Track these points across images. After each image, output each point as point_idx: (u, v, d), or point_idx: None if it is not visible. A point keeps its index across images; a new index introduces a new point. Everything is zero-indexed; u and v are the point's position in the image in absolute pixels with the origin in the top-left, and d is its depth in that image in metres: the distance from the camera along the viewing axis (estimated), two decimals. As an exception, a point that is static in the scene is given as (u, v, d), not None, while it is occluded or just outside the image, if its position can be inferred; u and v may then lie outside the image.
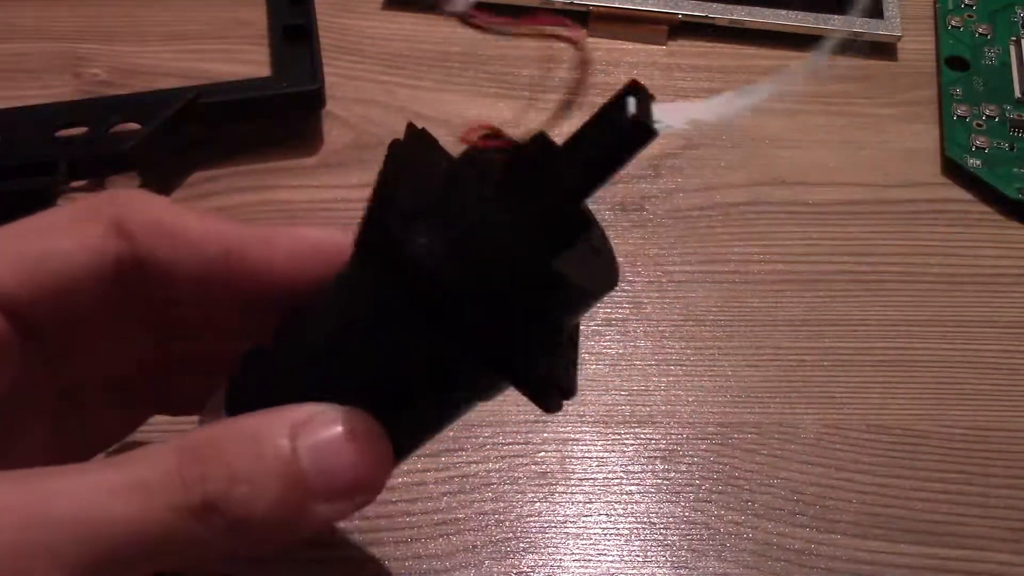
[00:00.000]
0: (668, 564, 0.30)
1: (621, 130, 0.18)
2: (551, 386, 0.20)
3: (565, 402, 0.20)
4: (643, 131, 0.18)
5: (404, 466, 0.27)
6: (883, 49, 0.44)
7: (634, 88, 0.18)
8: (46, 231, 0.21)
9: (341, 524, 0.30)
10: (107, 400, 0.25)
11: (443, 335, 0.19)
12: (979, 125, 0.41)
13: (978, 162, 0.40)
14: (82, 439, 0.25)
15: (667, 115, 0.18)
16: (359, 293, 0.20)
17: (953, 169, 0.40)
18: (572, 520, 0.31)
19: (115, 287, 0.22)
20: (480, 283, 0.18)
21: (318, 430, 0.19)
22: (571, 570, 0.30)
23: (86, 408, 0.24)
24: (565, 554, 0.31)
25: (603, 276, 0.20)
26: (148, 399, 0.26)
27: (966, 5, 0.45)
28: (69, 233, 0.21)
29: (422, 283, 0.18)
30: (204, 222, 0.22)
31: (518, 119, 0.41)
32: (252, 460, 0.19)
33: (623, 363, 0.35)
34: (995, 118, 0.41)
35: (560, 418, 0.33)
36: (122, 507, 0.18)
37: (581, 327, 0.22)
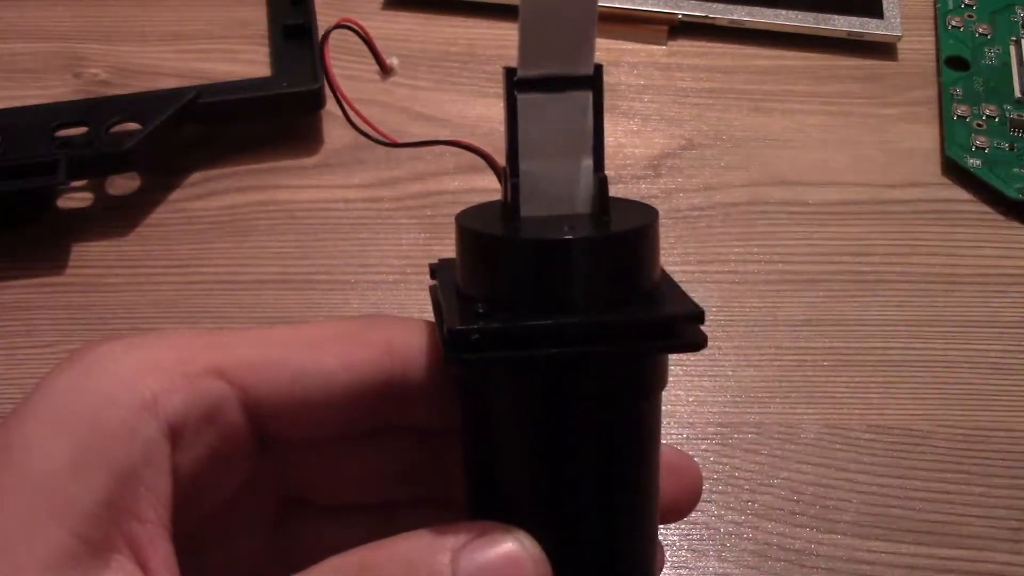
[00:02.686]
0: (668, 564, 0.30)
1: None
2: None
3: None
4: None
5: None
6: (883, 49, 0.44)
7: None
8: (312, 346, 0.21)
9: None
10: (334, 522, 0.24)
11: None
12: (979, 125, 0.41)
13: (978, 162, 0.40)
14: (301, 554, 0.24)
15: None
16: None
17: (953, 169, 0.40)
18: (572, 520, 0.31)
19: (370, 411, 0.21)
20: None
21: (476, 552, 0.18)
22: (571, 570, 0.30)
23: (308, 525, 0.24)
24: (565, 554, 0.31)
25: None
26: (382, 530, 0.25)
27: (966, 5, 0.45)
28: (333, 351, 0.21)
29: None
30: None
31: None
32: None
33: (623, 363, 0.35)
34: (995, 118, 0.41)
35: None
36: None
37: None
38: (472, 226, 0.18)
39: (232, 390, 0.20)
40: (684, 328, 0.18)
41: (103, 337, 0.21)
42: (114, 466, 0.18)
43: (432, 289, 0.20)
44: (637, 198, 0.38)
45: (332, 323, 0.22)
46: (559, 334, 0.17)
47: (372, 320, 0.22)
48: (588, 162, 0.18)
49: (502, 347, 0.17)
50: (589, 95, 0.18)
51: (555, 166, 0.18)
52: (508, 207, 0.18)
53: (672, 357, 0.20)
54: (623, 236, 0.18)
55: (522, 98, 0.18)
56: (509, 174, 0.18)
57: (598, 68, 0.18)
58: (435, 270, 0.20)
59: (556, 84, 0.18)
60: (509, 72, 0.18)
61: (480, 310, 0.17)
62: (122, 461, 0.18)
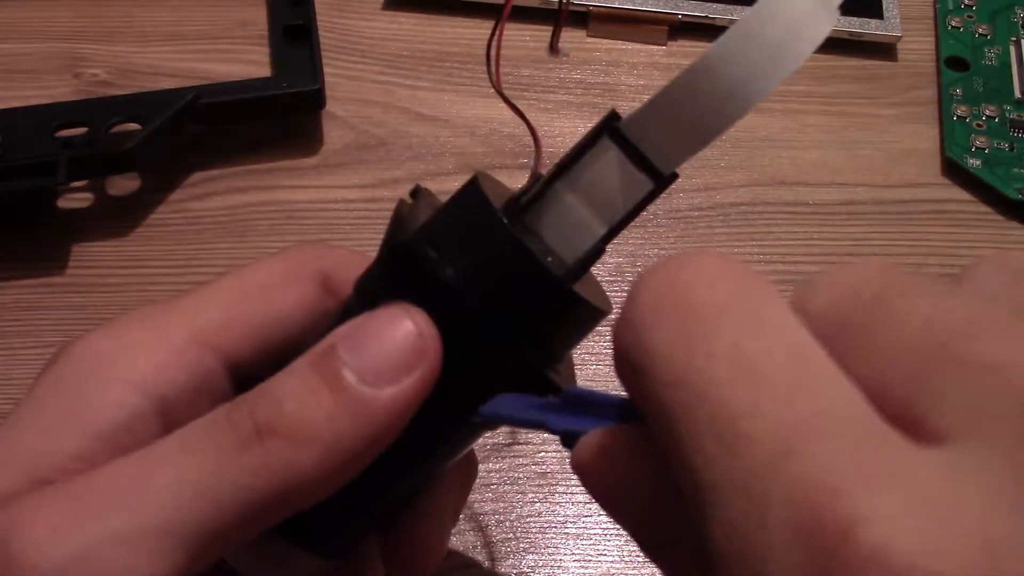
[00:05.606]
0: (668, 564, 0.30)
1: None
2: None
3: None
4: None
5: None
6: (883, 49, 0.44)
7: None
8: (266, 291, 0.22)
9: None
10: None
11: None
12: (979, 125, 0.41)
13: (978, 162, 0.40)
14: None
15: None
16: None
17: (953, 169, 0.40)
18: (572, 520, 0.31)
19: None
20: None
21: (345, 333, 0.19)
22: (571, 570, 0.30)
23: None
24: (565, 554, 0.31)
25: (603, 300, 0.21)
26: None
27: (966, 5, 0.45)
28: (287, 292, 0.22)
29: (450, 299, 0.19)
30: None
31: (519, 119, 0.41)
32: (295, 380, 0.18)
33: (623, 363, 0.35)
34: (995, 118, 0.41)
35: (560, 418, 0.33)
36: (171, 471, 0.18)
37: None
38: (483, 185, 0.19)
39: (215, 356, 0.20)
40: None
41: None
42: (91, 429, 0.19)
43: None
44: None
45: (277, 260, 0.22)
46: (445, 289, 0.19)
47: (314, 252, 0.23)
48: (602, 229, 0.19)
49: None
50: (650, 185, 0.19)
51: (580, 210, 0.19)
52: (521, 198, 0.19)
53: None
54: (570, 296, 0.19)
55: (604, 145, 0.18)
56: (544, 179, 0.19)
57: (675, 175, 0.19)
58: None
59: (636, 157, 0.18)
60: (612, 115, 0.18)
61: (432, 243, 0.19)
62: (100, 425, 0.19)
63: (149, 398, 0.20)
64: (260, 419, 0.18)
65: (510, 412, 0.19)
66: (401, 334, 0.19)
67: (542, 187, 0.19)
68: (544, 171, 0.19)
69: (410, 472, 0.22)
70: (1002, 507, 0.12)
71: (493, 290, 0.19)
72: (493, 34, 0.40)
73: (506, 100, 0.37)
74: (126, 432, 0.19)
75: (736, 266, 0.16)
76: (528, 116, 0.41)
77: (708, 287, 0.15)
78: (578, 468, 0.17)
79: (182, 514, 0.17)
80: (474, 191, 0.19)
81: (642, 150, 0.18)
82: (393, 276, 0.20)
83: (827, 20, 0.17)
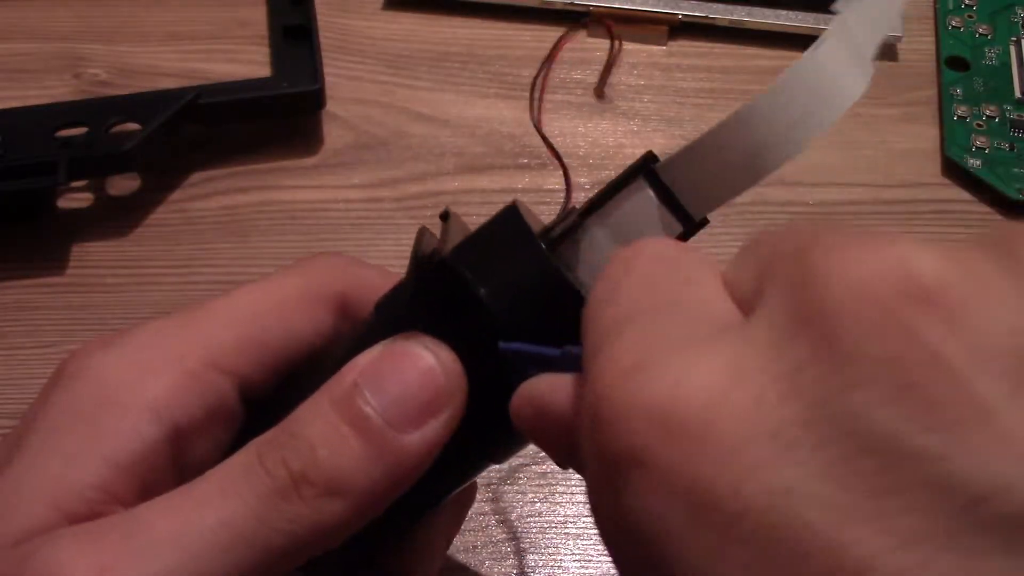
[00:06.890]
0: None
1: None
2: None
3: None
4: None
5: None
6: (883, 49, 0.44)
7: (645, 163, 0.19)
8: (283, 312, 0.22)
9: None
10: None
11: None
12: (979, 125, 0.41)
13: (978, 162, 0.40)
14: None
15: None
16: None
17: (953, 169, 0.40)
18: (572, 520, 0.31)
19: None
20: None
21: (367, 370, 0.19)
22: (571, 570, 0.30)
23: None
24: (565, 554, 0.31)
25: None
26: None
27: (966, 5, 0.45)
28: (305, 316, 0.22)
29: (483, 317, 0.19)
30: None
31: (518, 119, 0.41)
32: (322, 423, 0.19)
33: (623, 363, 0.35)
34: (995, 118, 0.41)
35: (560, 418, 0.33)
36: (213, 514, 0.18)
37: None
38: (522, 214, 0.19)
39: (229, 380, 0.20)
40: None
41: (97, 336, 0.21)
42: (110, 458, 0.19)
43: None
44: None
45: (295, 276, 0.22)
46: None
47: (333, 269, 0.22)
48: None
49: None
50: (679, 229, 0.19)
51: (609, 246, 0.19)
52: (553, 230, 0.19)
53: None
54: None
55: (638, 185, 0.19)
56: (578, 213, 0.19)
57: (705, 220, 0.19)
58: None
59: (669, 199, 0.19)
60: (650, 157, 0.19)
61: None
62: (119, 454, 0.19)
63: (163, 425, 0.20)
64: (294, 468, 0.18)
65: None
66: (425, 372, 0.19)
67: (575, 220, 0.19)
68: (577, 206, 0.19)
69: (422, 501, 0.22)
70: (755, 363, 0.13)
71: (526, 314, 0.19)
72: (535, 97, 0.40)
73: (544, 138, 0.36)
74: (141, 460, 0.19)
75: (663, 241, 0.17)
76: (527, 117, 0.41)
77: (640, 261, 0.16)
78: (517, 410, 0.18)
79: (223, 557, 0.18)
80: (513, 218, 0.19)
81: (675, 194, 0.18)
82: (424, 297, 0.20)
83: (861, 81, 0.17)
